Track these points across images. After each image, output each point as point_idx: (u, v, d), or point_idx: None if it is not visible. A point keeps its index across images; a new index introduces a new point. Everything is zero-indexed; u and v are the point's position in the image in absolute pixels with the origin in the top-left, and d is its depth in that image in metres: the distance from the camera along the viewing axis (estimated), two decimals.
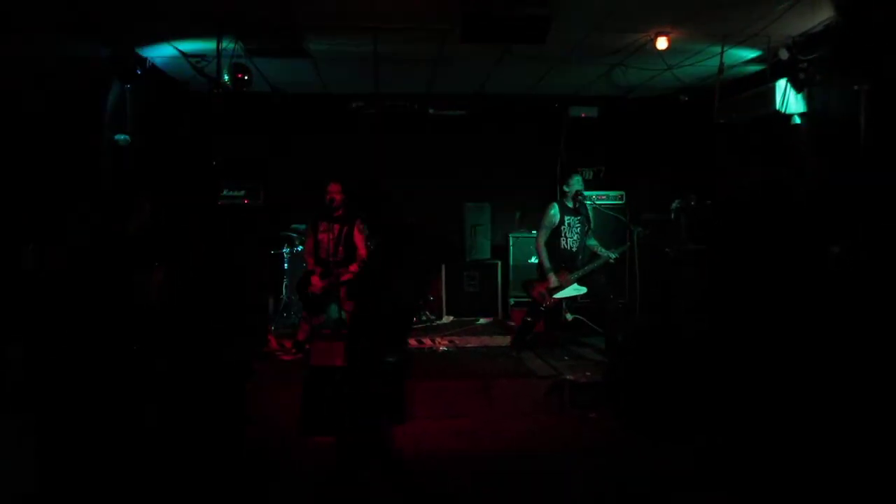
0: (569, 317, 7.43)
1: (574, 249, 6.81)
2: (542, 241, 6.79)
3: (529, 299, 7.12)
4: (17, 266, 3.88)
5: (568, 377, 5.90)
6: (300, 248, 7.95)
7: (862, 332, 4.68)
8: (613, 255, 6.74)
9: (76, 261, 3.24)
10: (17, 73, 4.57)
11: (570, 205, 6.82)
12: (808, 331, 4.96)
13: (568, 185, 6.84)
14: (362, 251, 6.92)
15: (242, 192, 7.08)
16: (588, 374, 6.01)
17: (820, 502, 3.55)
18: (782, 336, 4.93)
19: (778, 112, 6.23)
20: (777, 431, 4.13)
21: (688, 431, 4.50)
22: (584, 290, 6.71)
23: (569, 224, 6.79)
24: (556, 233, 6.79)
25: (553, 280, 6.66)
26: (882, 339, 4.55)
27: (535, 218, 7.49)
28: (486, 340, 7.56)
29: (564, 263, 6.75)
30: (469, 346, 7.40)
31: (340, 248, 6.88)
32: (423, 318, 8.25)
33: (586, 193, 7.05)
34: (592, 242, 6.96)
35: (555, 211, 6.80)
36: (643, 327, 7.03)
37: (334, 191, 6.87)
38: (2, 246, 3.96)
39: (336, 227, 6.93)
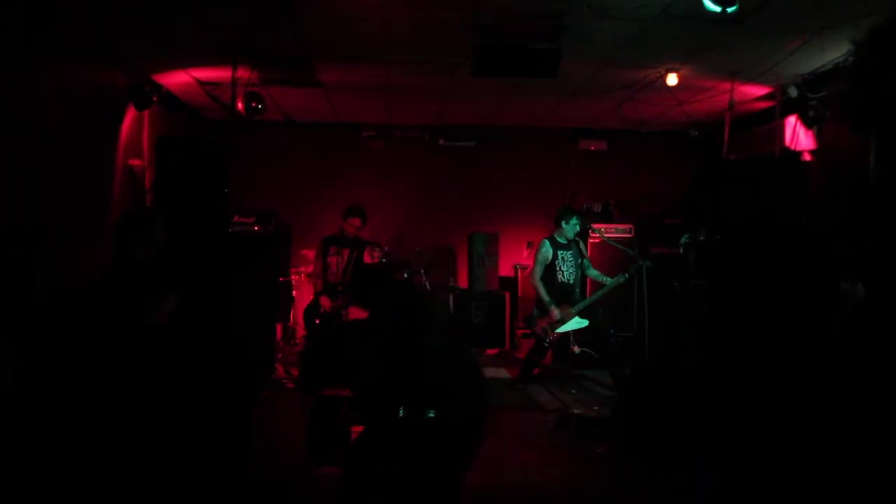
0: (577, 350, 7.39)
1: (571, 282, 6.79)
2: (537, 276, 6.76)
3: (533, 336, 7.08)
4: (29, 290, 3.90)
5: (575, 411, 5.85)
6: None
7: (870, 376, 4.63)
8: (623, 279, 6.67)
9: (89, 285, 3.26)
10: (32, 98, 4.64)
11: (562, 240, 6.81)
12: (815, 367, 4.91)
13: (567, 224, 6.77)
14: None
15: (253, 219, 7.11)
16: (596, 408, 5.97)
17: None
18: (784, 374, 4.88)
19: (787, 149, 6.26)
20: (780, 466, 4.07)
21: (697, 467, 4.44)
22: (586, 322, 6.65)
23: (562, 258, 6.78)
24: (551, 268, 6.78)
25: (556, 313, 6.61)
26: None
27: None
28: (493, 372, 7.52)
29: (562, 297, 6.71)
30: None
31: (350, 272, 6.92)
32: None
33: (596, 226, 7.06)
34: (593, 273, 6.95)
35: (546, 247, 6.79)
36: (651, 362, 6.99)
37: (356, 224, 6.96)
38: (14, 269, 3.98)
39: (346, 251, 6.97)
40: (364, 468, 3.20)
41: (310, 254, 7.73)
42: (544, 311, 6.75)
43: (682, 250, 7.30)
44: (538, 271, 6.77)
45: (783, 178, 6.68)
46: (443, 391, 3.10)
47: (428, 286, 8.31)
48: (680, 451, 4.59)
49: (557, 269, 6.77)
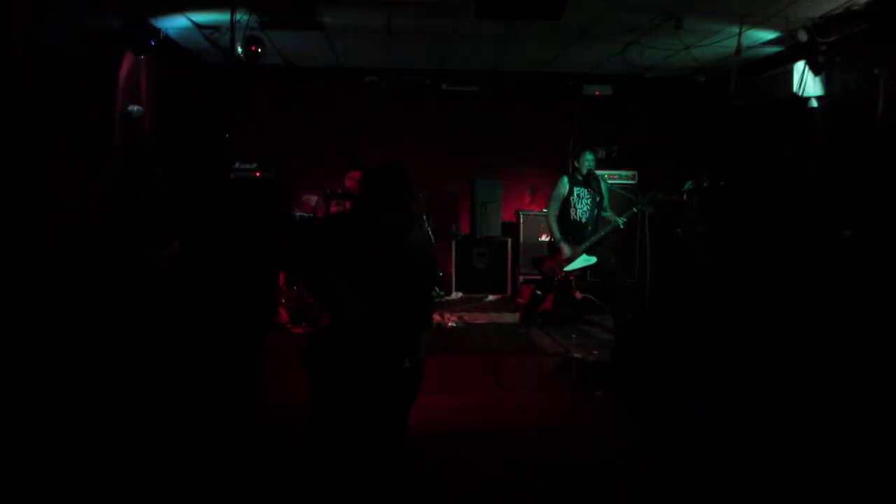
0: (579, 296, 7.45)
1: (583, 220, 6.80)
2: (552, 213, 6.81)
3: (540, 276, 7.14)
4: (28, 240, 3.91)
5: (576, 355, 5.94)
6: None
7: (871, 319, 4.67)
8: (622, 221, 6.72)
9: (88, 234, 3.26)
10: (28, 42, 4.57)
11: (580, 178, 6.83)
12: (815, 315, 4.96)
13: (578, 161, 6.86)
14: None
15: (254, 165, 7.10)
16: (596, 352, 6.04)
17: (821, 485, 3.58)
18: (785, 320, 4.93)
19: (795, 94, 6.17)
20: (779, 413, 4.14)
21: (694, 412, 4.52)
22: (593, 259, 6.71)
23: (578, 195, 6.79)
24: (565, 204, 6.81)
25: (566, 250, 6.67)
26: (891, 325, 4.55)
27: (546, 196, 7.49)
28: (495, 317, 7.61)
29: (572, 235, 6.75)
30: (478, 322, 7.45)
31: None
32: (433, 294, 8.28)
33: (599, 172, 7.04)
34: (607, 214, 6.96)
35: (563, 183, 6.83)
36: (651, 307, 7.05)
37: (355, 177, 7.20)
38: (10, 219, 3.98)
39: (347, 203, 7.09)
40: (364, 469, 3.39)
41: (311, 198, 7.78)
42: (553, 250, 6.80)
43: (685, 196, 7.31)
44: (554, 207, 6.80)
45: (790, 124, 6.63)
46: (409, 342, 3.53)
47: (430, 232, 8.31)
48: (677, 394, 4.67)
49: (572, 205, 6.79)
